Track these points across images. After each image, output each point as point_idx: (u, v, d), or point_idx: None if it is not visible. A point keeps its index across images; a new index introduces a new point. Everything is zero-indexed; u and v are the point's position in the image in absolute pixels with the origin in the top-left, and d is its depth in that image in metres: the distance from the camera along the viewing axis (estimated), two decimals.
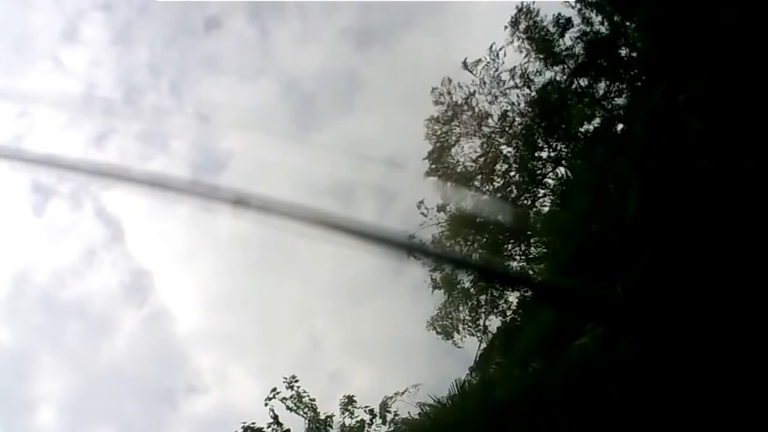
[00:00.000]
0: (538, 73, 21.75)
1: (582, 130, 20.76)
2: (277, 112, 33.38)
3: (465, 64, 21.84)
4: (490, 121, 22.17)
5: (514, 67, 21.73)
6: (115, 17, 37.03)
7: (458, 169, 22.35)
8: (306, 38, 35.57)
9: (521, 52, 21.81)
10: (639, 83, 18.62)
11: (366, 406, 16.93)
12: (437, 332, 22.19)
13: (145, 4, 31.53)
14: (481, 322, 21.95)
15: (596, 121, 20.56)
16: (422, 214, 21.78)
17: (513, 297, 20.93)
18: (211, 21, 37.54)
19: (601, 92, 21.04)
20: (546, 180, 21.87)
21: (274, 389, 16.79)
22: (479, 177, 22.26)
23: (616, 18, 19.95)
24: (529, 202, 22.10)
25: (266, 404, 16.77)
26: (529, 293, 16.62)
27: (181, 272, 37.54)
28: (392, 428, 16.56)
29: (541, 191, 21.95)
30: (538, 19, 21.71)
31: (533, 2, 21.75)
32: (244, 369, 30.36)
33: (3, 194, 28.87)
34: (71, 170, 5.84)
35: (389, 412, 16.69)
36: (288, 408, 16.81)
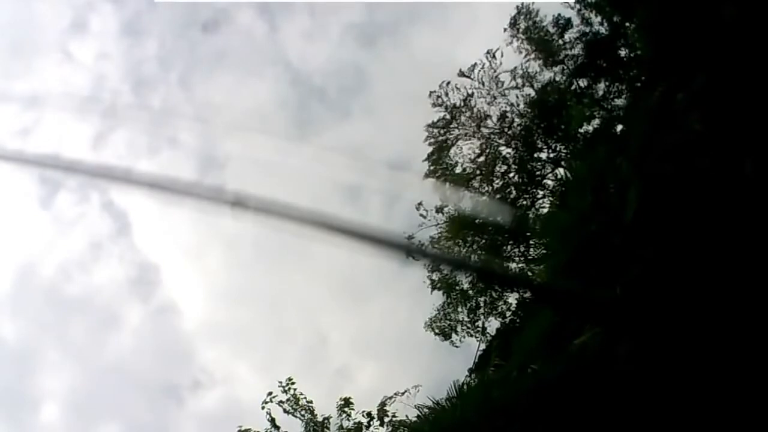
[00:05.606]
0: (537, 74, 21.80)
1: (581, 130, 20.75)
2: (282, 110, 33.53)
3: (462, 72, 21.84)
4: (489, 122, 22.18)
5: (515, 68, 21.78)
6: (125, 9, 37.11)
7: (457, 171, 22.36)
8: (313, 35, 35.60)
9: (521, 52, 21.86)
10: (639, 83, 18.64)
11: (363, 411, 16.90)
12: (435, 333, 22.17)
13: None
14: (480, 323, 21.95)
15: (596, 122, 20.56)
16: (421, 215, 21.82)
17: (512, 298, 20.97)
18: (218, 16, 37.55)
19: (601, 93, 21.05)
20: (545, 181, 21.91)
21: (270, 393, 16.77)
22: (478, 178, 22.26)
23: (615, 18, 19.96)
24: (529, 203, 22.11)
25: (263, 407, 16.74)
26: (528, 294, 16.62)
27: (187, 267, 37.52)
28: (390, 429, 16.54)
29: (541, 192, 21.97)
30: (538, 19, 21.75)
31: (533, 3, 21.79)
32: (249, 365, 30.47)
33: (9, 186, 28.79)
34: (74, 171, 5.86)
35: (387, 415, 16.66)
36: (285, 411, 16.79)
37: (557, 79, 21.68)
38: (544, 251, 14.72)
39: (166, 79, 39.08)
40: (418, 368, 24.83)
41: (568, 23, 21.40)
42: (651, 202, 9.92)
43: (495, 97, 21.98)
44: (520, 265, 20.88)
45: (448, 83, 22.02)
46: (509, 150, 22.13)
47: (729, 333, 7.63)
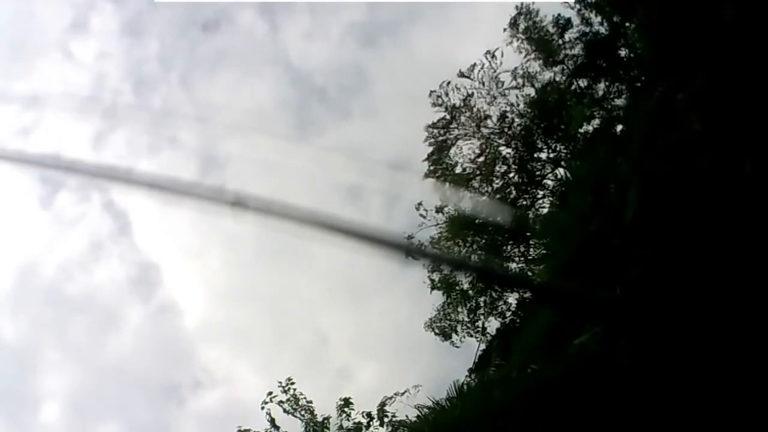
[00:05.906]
0: (537, 74, 21.80)
1: (581, 130, 20.74)
2: (282, 110, 33.60)
3: (461, 72, 21.84)
4: (489, 122, 22.17)
5: (515, 68, 21.78)
6: (125, 9, 37.17)
7: (457, 171, 22.36)
8: (314, 35, 35.65)
9: (521, 52, 21.85)
10: (639, 83, 18.63)
11: (363, 411, 16.90)
12: (435, 333, 22.18)
13: None
14: (480, 323, 21.95)
15: (596, 122, 20.53)
16: (421, 215, 21.82)
17: (512, 298, 20.97)
18: (218, 16, 37.59)
19: (601, 93, 21.02)
20: (545, 181, 21.91)
21: (270, 393, 16.78)
22: (478, 178, 22.26)
23: (615, 18, 19.95)
24: (529, 203, 22.10)
25: (263, 407, 16.75)
26: (528, 294, 16.62)
27: (188, 267, 37.60)
28: (390, 429, 16.54)
29: (541, 192, 21.97)
30: (538, 19, 21.74)
31: (533, 3, 21.79)
32: (249, 365, 30.55)
33: (9, 186, 28.84)
34: (74, 171, 5.87)
35: (386, 415, 16.66)
36: (285, 411, 16.80)
37: (557, 79, 21.67)
38: (544, 251, 14.72)
39: (166, 78, 39.22)
40: (418, 368, 24.86)
41: (568, 23, 21.38)
42: (651, 202, 9.93)
43: (495, 97, 21.98)
44: (520, 265, 20.89)
45: (448, 83, 22.01)
46: (509, 150, 22.12)
47: (729, 332, 7.63)
